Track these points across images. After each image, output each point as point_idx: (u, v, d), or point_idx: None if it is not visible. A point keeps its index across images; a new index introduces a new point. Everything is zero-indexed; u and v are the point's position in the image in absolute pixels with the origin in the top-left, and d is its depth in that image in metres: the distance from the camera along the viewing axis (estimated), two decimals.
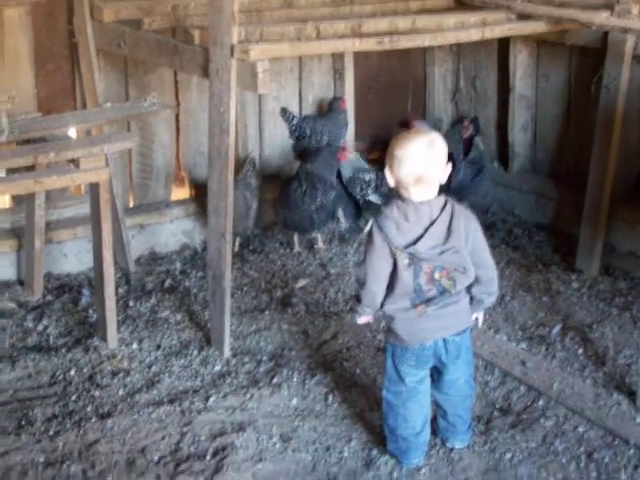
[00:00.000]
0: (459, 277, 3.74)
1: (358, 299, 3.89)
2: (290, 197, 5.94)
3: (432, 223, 3.65)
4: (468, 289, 3.83)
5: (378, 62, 6.76)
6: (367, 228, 6.18)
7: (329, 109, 6.42)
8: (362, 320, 3.98)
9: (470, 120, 6.70)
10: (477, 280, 3.81)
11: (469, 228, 3.72)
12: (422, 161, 3.62)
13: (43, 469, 3.90)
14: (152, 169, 6.05)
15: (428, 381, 3.93)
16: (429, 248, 3.65)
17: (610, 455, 3.99)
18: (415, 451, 3.94)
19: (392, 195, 6.02)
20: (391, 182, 3.72)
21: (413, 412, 3.90)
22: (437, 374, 3.94)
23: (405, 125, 6.49)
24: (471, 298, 3.87)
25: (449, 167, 3.71)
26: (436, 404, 4.02)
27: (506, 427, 4.19)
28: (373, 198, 6.22)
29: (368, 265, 3.77)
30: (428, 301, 3.75)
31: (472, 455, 4.00)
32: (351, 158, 6.25)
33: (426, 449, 3.98)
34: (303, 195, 5.90)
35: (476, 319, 4.01)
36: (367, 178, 6.20)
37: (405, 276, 3.71)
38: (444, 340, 3.81)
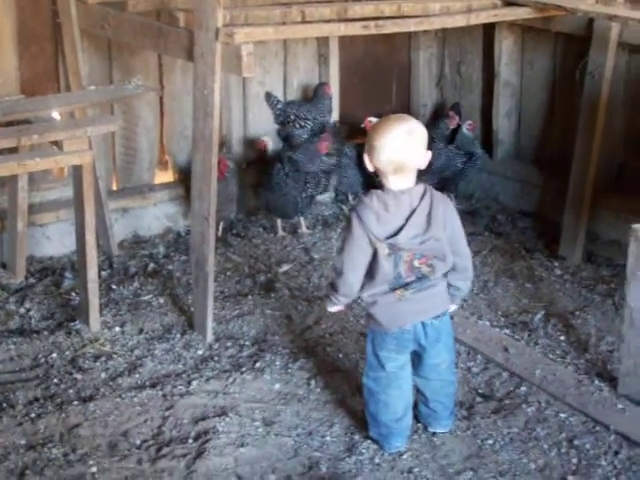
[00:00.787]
0: (438, 264, 3.74)
1: (334, 287, 3.87)
2: (272, 179, 5.92)
3: (412, 213, 3.65)
4: (445, 274, 3.84)
5: (363, 47, 6.75)
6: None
7: (314, 95, 6.41)
8: (334, 309, 3.98)
9: (450, 107, 6.69)
10: (453, 267, 3.81)
11: (447, 216, 3.71)
12: (401, 150, 3.61)
13: (24, 452, 3.89)
14: (136, 152, 6.03)
15: (409, 367, 3.93)
16: (410, 238, 3.65)
17: (591, 441, 4.00)
18: (397, 437, 3.94)
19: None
20: (370, 169, 3.71)
21: (394, 398, 3.90)
22: (417, 359, 3.94)
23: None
24: (448, 286, 3.88)
25: (429, 154, 3.71)
26: (417, 390, 4.02)
27: (488, 413, 4.20)
28: None
29: (346, 255, 3.74)
30: (406, 285, 3.75)
31: (454, 440, 4.01)
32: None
33: (408, 434, 3.98)
34: (286, 177, 5.89)
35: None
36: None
37: (385, 265, 3.71)
38: (423, 324, 3.81)
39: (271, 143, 6.23)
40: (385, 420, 3.91)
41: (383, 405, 3.90)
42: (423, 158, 3.68)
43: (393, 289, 3.76)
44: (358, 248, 3.71)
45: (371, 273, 3.76)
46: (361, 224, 3.67)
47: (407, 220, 3.64)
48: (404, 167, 3.63)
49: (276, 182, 5.91)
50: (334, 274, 3.86)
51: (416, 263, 3.72)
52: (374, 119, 6.20)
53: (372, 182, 6.22)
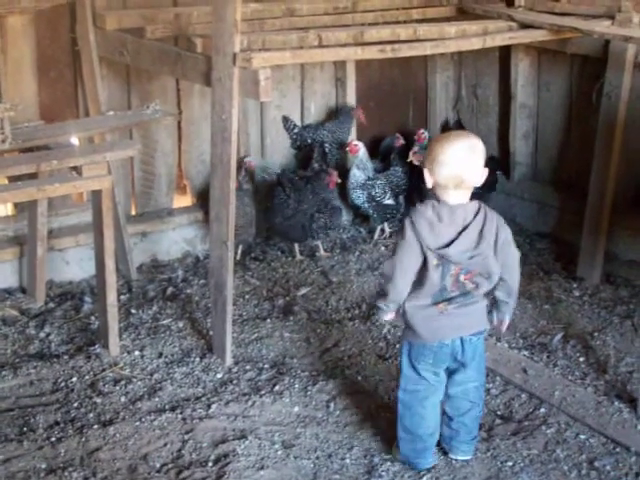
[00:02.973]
0: (482, 281, 3.75)
1: (382, 294, 3.86)
2: (274, 204, 5.96)
3: (465, 227, 3.66)
4: (489, 292, 3.85)
5: (380, 71, 6.78)
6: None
7: (339, 114, 6.44)
8: (387, 317, 3.94)
9: (454, 123, 6.76)
10: (501, 281, 3.82)
11: (500, 233, 3.73)
12: (463, 165, 3.62)
13: (45, 476, 3.90)
14: (154, 177, 6.06)
15: (444, 383, 3.93)
16: (460, 252, 3.66)
17: (612, 463, 3.99)
18: (429, 451, 3.96)
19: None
20: (429, 184, 3.71)
21: (429, 410, 3.90)
22: (448, 376, 3.94)
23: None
24: (494, 301, 3.90)
25: (485, 171, 3.71)
26: (442, 411, 4.01)
27: (508, 434, 4.19)
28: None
29: (397, 260, 3.76)
30: (450, 300, 3.76)
31: (474, 462, 4.00)
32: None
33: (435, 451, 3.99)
34: (287, 199, 5.90)
35: (500, 323, 3.98)
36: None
37: (434, 276, 3.71)
38: (462, 340, 3.82)
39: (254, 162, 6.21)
40: (422, 433, 3.91)
41: (420, 418, 3.90)
42: (481, 175, 3.70)
43: (436, 303, 3.76)
44: (409, 254, 3.72)
45: (418, 282, 3.77)
46: (414, 231, 3.69)
47: (459, 234, 3.66)
48: (464, 183, 3.65)
49: (277, 205, 5.93)
50: (383, 280, 3.86)
51: (462, 278, 3.72)
52: (359, 143, 6.25)
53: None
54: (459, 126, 6.82)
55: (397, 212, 6.32)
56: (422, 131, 6.50)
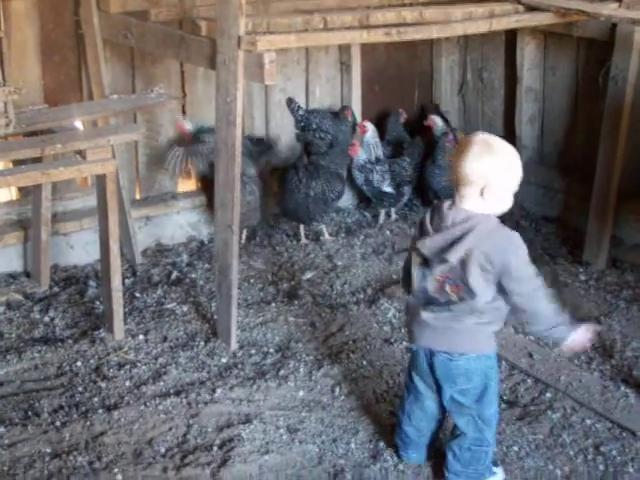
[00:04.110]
0: (466, 297, 3.52)
1: None
2: (286, 186, 5.99)
3: (444, 229, 3.51)
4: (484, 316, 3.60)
5: (385, 54, 6.76)
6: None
7: (338, 113, 6.42)
8: None
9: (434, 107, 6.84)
10: (522, 311, 3.56)
11: (495, 260, 3.46)
12: (460, 160, 3.46)
13: (49, 460, 3.90)
14: (158, 161, 6.04)
15: (431, 393, 3.76)
16: (430, 249, 3.53)
17: (618, 447, 3.98)
18: (415, 448, 3.89)
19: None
20: None
21: (416, 414, 3.82)
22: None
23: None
24: None
25: (508, 185, 3.57)
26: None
27: (513, 419, 4.18)
28: None
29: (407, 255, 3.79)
30: (427, 305, 3.61)
31: None
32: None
33: (428, 452, 3.91)
34: (299, 183, 5.90)
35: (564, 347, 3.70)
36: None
37: (414, 273, 3.64)
38: (432, 353, 3.64)
39: (189, 125, 6.00)
40: (406, 429, 3.86)
41: (406, 415, 3.85)
42: (491, 179, 3.48)
43: (416, 303, 3.66)
44: (409, 251, 3.72)
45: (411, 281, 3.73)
46: (415, 229, 3.73)
47: (436, 231, 3.53)
48: (461, 179, 3.47)
49: (289, 189, 5.94)
50: None
51: (447, 288, 3.55)
52: (369, 125, 6.24)
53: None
54: (437, 110, 6.81)
55: (396, 201, 6.34)
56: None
